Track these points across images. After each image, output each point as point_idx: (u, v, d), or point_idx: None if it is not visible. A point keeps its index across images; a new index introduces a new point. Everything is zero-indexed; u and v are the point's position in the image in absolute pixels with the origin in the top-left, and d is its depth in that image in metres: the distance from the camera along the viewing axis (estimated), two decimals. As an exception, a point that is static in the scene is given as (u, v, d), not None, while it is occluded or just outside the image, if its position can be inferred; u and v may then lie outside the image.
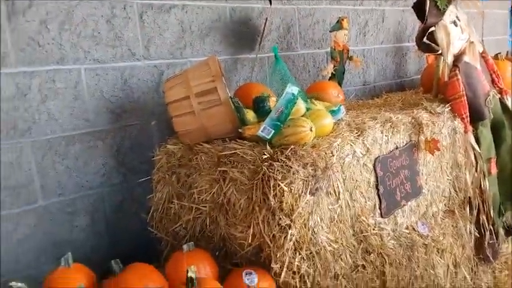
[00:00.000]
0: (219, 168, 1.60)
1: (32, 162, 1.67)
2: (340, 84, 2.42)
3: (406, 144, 1.97)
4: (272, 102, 1.75)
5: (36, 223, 1.69)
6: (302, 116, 1.66)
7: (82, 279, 1.37)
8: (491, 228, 2.31)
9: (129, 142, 1.93)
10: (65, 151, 1.75)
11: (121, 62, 1.88)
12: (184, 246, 1.55)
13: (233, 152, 1.59)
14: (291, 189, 1.45)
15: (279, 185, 1.44)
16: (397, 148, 1.92)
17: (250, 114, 1.73)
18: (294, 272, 1.51)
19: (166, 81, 1.80)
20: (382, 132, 1.84)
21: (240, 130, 1.65)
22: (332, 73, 2.41)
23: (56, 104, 1.72)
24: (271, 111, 1.63)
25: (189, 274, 1.31)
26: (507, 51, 3.55)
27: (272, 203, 1.44)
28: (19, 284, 1.28)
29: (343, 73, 2.49)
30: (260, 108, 1.73)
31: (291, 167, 1.46)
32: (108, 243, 1.88)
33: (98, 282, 1.46)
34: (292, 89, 1.56)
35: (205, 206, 1.66)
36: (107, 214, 1.89)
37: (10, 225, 1.63)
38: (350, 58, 2.50)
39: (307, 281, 1.54)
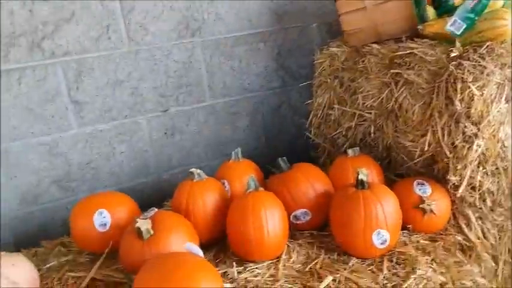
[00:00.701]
0: (391, 71, 1.46)
1: (202, 62, 1.74)
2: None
3: None
4: (456, -3, 1.49)
5: (205, 120, 1.80)
6: (499, 9, 1.38)
7: (252, 172, 1.42)
8: None
9: (289, 45, 1.88)
10: (230, 52, 1.77)
11: (284, -42, 1.78)
12: (349, 151, 1.49)
13: (409, 52, 1.42)
14: (482, 94, 1.25)
15: (468, 87, 1.25)
16: None
17: (429, 11, 1.51)
18: (472, 188, 1.35)
19: (333, -24, 1.65)
20: None
21: (419, 27, 1.45)
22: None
23: (223, 4, 1.72)
24: (455, 8, 1.39)
25: (360, 176, 1.25)
26: None
27: (458, 108, 1.27)
28: (198, 171, 1.38)
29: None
30: (442, 3, 1.50)
31: (485, 67, 1.25)
32: (265, 145, 1.93)
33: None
34: (495, -27, 1.29)
35: (370, 113, 1.56)
36: (265, 117, 1.91)
37: (183, 120, 1.76)
38: None
39: (487, 200, 1.37)
